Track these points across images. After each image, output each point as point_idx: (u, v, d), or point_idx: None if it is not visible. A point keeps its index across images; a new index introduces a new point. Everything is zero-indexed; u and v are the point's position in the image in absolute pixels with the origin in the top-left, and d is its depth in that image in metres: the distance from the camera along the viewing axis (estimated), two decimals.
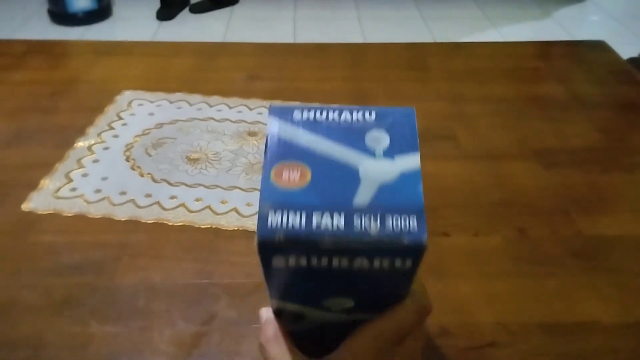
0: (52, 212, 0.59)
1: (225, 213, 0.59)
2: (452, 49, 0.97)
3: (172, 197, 0.61)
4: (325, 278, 0.29)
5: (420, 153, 0.29)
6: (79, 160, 0.66)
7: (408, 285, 0.31)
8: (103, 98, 0.79)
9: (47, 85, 0.82)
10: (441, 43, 1.07)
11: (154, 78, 0.84)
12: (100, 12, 2.64)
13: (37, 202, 0.60)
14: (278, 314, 0.35)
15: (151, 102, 0.78)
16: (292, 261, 0.27)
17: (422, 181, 0.28)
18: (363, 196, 0.27)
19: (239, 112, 0.76)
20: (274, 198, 0.27)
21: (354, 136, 0.29)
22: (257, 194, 0.61)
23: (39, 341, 0.45)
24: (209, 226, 0.57)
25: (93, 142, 0.70)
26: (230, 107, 0.77)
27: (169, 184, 0.63)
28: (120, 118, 0.74)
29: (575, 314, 0.48)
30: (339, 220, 0.26)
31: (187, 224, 0.57)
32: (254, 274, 0.51)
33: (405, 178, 0.28)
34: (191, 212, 0.59)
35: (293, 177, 0.27)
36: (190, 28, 2.63)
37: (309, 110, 0.30)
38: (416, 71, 0.88)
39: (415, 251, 0.27)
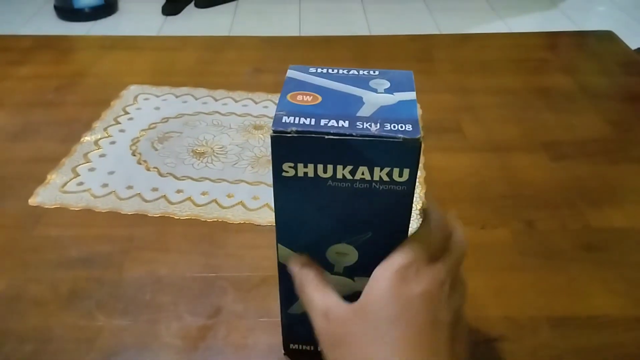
0: (58, 206, 0.59)
1: (232, 207, 0.59)
2: (459, 41, 0.96)
3: (179, 191, 0.61)
4: (329, 202, 0.33)
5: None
6: (85, 155, 0.66)
7: (406, 223, 0.34)
8: (109, 92, 0.79)
9: (54, 80, 0.82)
10: (447, 34, 1.06)
11: (159, 72, 0.84)
12: (107, 8, 2.64)
13: (44, 197, 0.60)
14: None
15: (157, 96, 0.78)
16: (300, 170, 0.31)
17: (417, 107, 0.33)
18: (365, 111, 0.32)
19: (245, 105, 0.76)
20: (288, 108, 0.31)
21: (359, 81, 0.34)
22: (263, 188, 0.61)
23: (46, 334, 0.45)
24: (215, 220, 0.57)
25: (99, 137, 0.70)
26: (236, 101, 0.77)
27: (175, 177, 0.63)
28: (127, 112, 0.74)
29: (584, 308, 0.48)
30: (344, 124, 0.30)
31: (193, 217, 0.57)
32: (261, 267, 0.51)
33: (403, 103, 0.32)
34: (197, 205, 0.59)
35: (306, 98, 0.32)
36: (195, 22, 2.63)
37: (322, 68, 0.36)
38: (422, 63, 0.87)
39: (411, 150, 0.30)
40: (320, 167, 0.31)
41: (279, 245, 0.36)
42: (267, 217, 0.57)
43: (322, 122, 0.30)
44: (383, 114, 0.31)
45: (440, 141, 0.68)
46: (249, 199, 0.60)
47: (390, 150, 0.30)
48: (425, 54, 0.90)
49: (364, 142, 0.30)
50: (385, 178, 0.31)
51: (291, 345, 0.43)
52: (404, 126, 0.30)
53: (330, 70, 0.35)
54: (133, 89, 0.80)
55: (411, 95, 0.33)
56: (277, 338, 0.45)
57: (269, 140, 0.33)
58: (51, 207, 0.59)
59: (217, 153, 0.67)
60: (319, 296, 0.33)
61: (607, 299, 0.49)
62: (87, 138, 0.69)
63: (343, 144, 0.30)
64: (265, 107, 0.76)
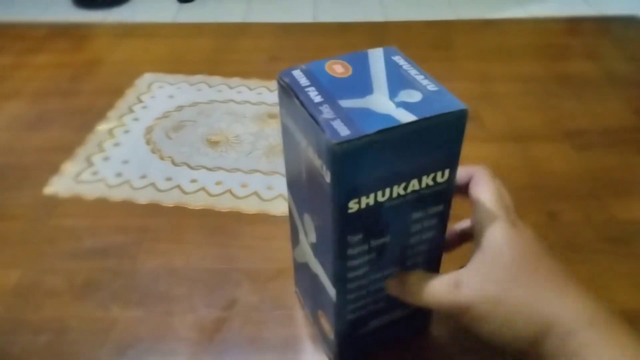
0: (73, 196, 0.58)
1: (246, 197, 0.58)
2: (478, 27, 0.94)
3: (193, 181, 0.60)
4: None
5: None
6: (100, 144, 0.66)
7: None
8: (123, 81, 0.78)
9: (69, 68, 0.81)
10: (466, 20, 1.03)
11: (174, 60, 0.83)
12: None
13: (59, 186, 0.60)
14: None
15: (171, 84, 0.77)
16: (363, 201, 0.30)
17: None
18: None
19: (259, 94, 0.75)
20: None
21: (395, 85, 0.32)
22: (277, 178, 0.60)
23: (61, 325, 0.45)
24: (230, 210, 0.56)
25: (114, 126, 0.69)
26: (251, 89, 0.76)
27: (190, 167, 0.62)
28: (141, 101, 0.74)
29: (610, 302, 0.46)
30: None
31: (207, 208, 0.57)
32: (276, 259, 0.50)
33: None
34: (212, 196, 0.58)
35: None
36: (210, 9, 2.62)
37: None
38: (441, 50, 0.85)
39: (460, 117, 0.30)
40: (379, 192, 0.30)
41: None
42: (282, 208, 0.56)
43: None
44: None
45: None
46: (264, 189, 0.59)
47: (438, 121, 0.30)
48: (443, 40, 0.88)
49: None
50: (430, 183, 0.31)
51: None
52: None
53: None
54: (147, 77, 0.79)
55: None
56: (293, 330, 0.44)
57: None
58: (66, 196, 0.58)
59: (231, 142, 0.66)
60: (437, 285, 0.32)
61: (633, 294, 0.47)
62: (102, 127, 0.69)
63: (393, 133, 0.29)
64: None
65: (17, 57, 0.85)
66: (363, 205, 0.30)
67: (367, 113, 0.29)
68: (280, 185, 0.59)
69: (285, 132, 0.35)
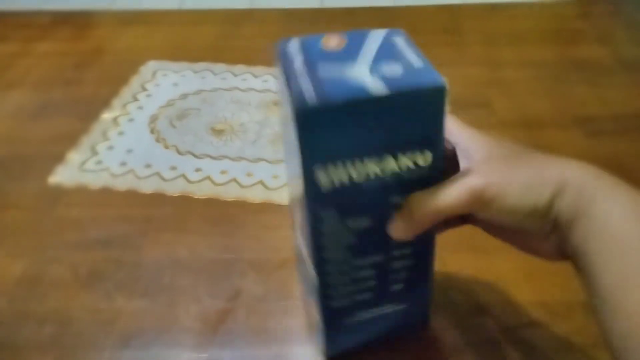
0: (78, 185, 0.58)
1: (251, 186, 0.57)
2: (488, 11, 0.92)
3: (197, 170, 0.59)
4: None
5: None
6: (104, 133, 0.65)
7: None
8: (128, 69, 0.77)
9: (72, 57, 0.81)
10: (476, 4, 1.01)
11: (178, 47, 0.82)
12: None
13: (63, 176, 0.59)
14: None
15: (175, 72, 0.77)
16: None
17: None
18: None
19: (265, 81, 0.74)
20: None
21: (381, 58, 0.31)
22: (283, 166, 0.59)
23: (65, 316, 0.45)
24: (235, 199, 0.56)
25: (118, 114, 0.68)
26: (256, 76, 0.75)
27: (194, 156, 0.61)
28: (145, 89, 0.73)
29: None
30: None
31: (212, 197, 0.56)
32: (281, 249, 0.50)
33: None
34: (217, 185, 0.57)
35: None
36: None
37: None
38: (450, 35, 0.84)
39: (437, 94, 0.29)
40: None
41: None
42: (287, 197, 0.55)
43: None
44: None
45: (467, 117, 0.64)
46: (269, 177, 0.58)
47: (416, 93, 0.30)
48: (452, 24, 0.87)
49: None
50: (411, 165, 0.31)
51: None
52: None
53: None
54: (151, 64, 0.78)
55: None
56: (298, 321, 0.44)
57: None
58: (70, 186, 0.58)
59: (236, 130, 0.65)
60: (445, 186, 0.31)
61: None
62: (106, 116, 0.68)
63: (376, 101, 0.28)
64: None
65: (20, 45, 0.84)
66: (336, 181, 0.30)
67: (341, 83, 0.29)
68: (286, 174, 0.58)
69: (281, 106, 0.34)
